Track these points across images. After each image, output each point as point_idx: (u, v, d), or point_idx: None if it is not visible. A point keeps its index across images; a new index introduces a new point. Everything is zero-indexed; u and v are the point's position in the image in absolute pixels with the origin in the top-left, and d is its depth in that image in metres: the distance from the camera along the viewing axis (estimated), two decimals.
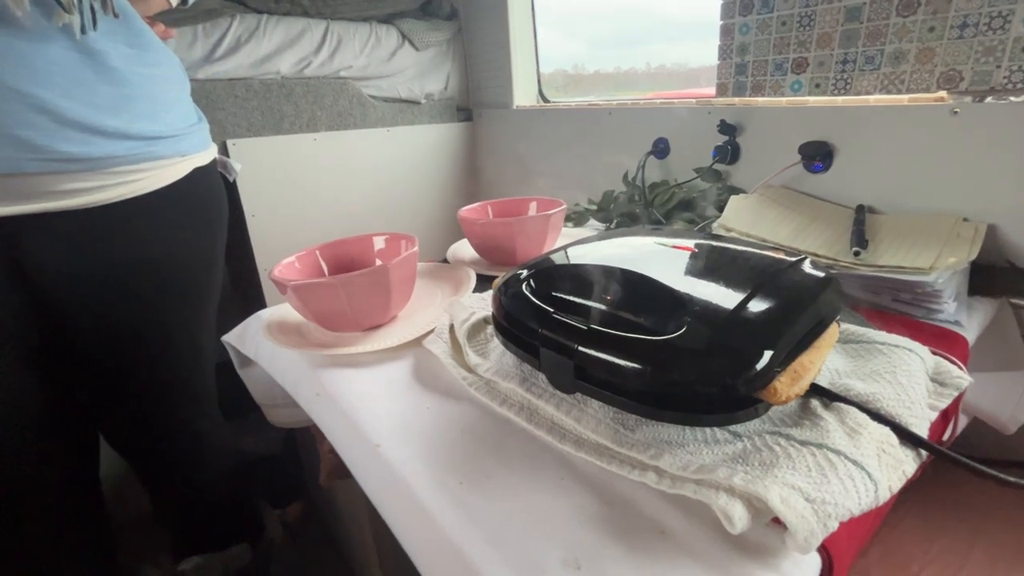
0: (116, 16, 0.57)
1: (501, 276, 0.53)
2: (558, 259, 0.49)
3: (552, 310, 0.41)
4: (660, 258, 0.46)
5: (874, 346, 0.46)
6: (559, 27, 1.38)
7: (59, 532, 0.69)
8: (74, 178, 0.56)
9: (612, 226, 0.95)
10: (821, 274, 0.43)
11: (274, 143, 1.17)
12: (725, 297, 0.37)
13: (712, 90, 0.91)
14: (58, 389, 0.65)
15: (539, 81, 1.40)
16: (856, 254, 0.61)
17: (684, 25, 1.25)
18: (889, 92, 0.70)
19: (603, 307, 0.40)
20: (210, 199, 0.71)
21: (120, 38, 0.58)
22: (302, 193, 1.24)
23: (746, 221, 0.73)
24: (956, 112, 0.65)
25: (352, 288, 0.55)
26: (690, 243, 0.48)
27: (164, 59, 0.64)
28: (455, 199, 1.52)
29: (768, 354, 0.33)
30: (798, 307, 0.37)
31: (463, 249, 0.86)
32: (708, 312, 0.36)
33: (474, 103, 1.49)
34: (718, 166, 0.91)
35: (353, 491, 0.50)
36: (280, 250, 1.21)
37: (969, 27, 0.62)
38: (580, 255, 0.49)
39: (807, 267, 0.44)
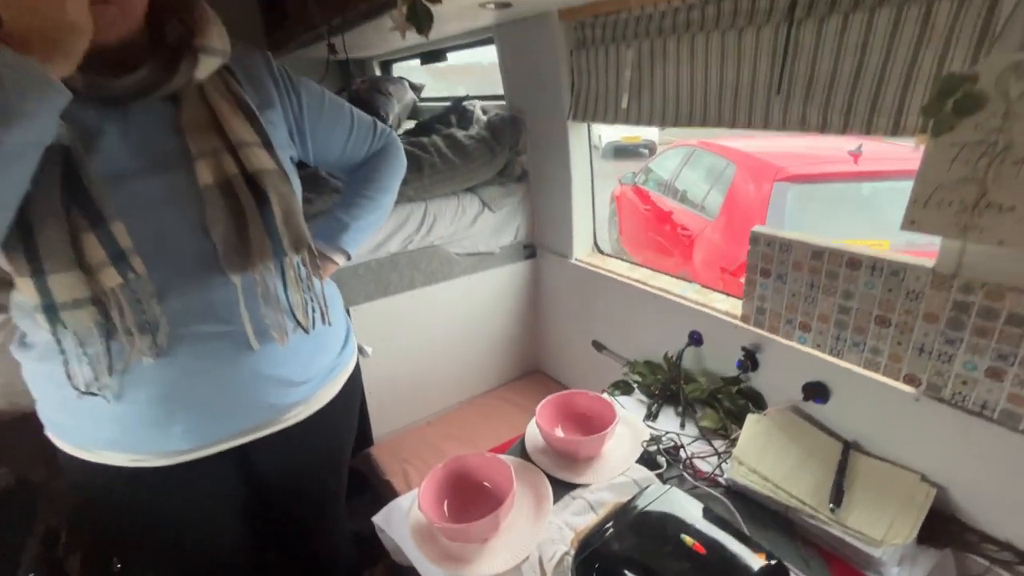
0: (331, 324, 0.87)
1: (578, 535, 0.80)
2: (614, 546, 0.76)
3: None
4: (680, 558, 0.72)
5: None
6: None
7: None
8: (287, 412, 0.86)
9: (655, 407, 1.20)
10: None
11: (383, 304, 1.48)
12: None
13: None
14: (258, 531, 0.98)
15: (595, 233, 1.66)
16: (832, 510, 0.84)
17: None
18: (870, 369, 0.92)
19: None
20: (355, 384, 1.02)
21: (315, 306, 0.84)
22: (402, 337, 1.55)
23: (756, 452, 0.97)
24: (918, 400, 0.87)
25: (478, 525, 0.84)
26: (702, 540, 0.74)
27: (331, 296, 0.91)
28: (523, 325, 1.83)
29: None
30: None
31: (537, 436, 1.13)
32: None
33: (538, 242, 1.76)
34: (742, 375, 1.15)
35: None
36: (385, 380, 1.54)
37: (925, 352, 0.83)
38: (627, 542, 0.76)
39: None
